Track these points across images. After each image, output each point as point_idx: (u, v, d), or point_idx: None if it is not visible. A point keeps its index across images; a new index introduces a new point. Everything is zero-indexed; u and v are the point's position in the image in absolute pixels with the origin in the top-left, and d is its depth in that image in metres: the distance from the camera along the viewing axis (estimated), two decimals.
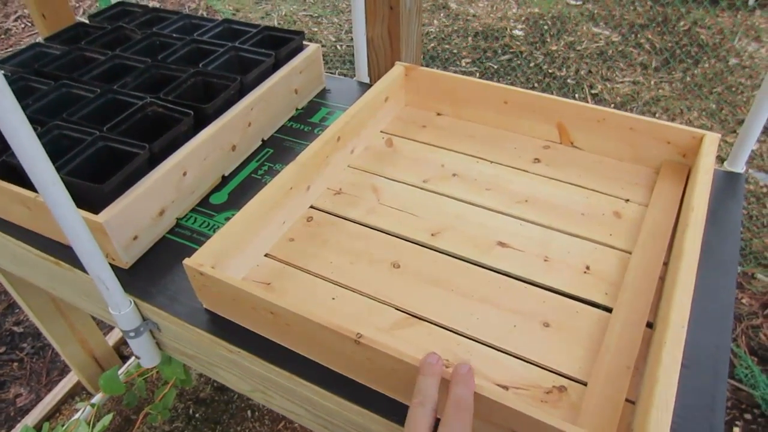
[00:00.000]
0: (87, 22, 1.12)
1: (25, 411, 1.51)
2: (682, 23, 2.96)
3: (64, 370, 1.61)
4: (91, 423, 1.17)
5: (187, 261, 0.62)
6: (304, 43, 1.01)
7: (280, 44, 0.97)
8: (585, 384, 0.57)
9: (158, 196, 0.75)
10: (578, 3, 3.28)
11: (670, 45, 2.81)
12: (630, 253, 0.70)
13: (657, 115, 2.40)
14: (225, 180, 0.86)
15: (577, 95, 2.56)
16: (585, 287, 0.66)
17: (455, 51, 2.91)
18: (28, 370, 1.63)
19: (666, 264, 0.67)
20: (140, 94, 0.85)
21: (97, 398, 1.48)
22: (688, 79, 2.57)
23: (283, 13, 3.31)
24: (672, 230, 0.72)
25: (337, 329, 0.54)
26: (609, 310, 0.64)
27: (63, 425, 1.21)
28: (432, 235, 0.74)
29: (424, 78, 0.92)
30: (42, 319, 1.24)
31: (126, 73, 0.93)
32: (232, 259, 0.68)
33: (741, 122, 2.20)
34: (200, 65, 0.91)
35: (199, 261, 0.62)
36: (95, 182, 0.69)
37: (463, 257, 0.70)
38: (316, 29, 3.15)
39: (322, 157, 0.79)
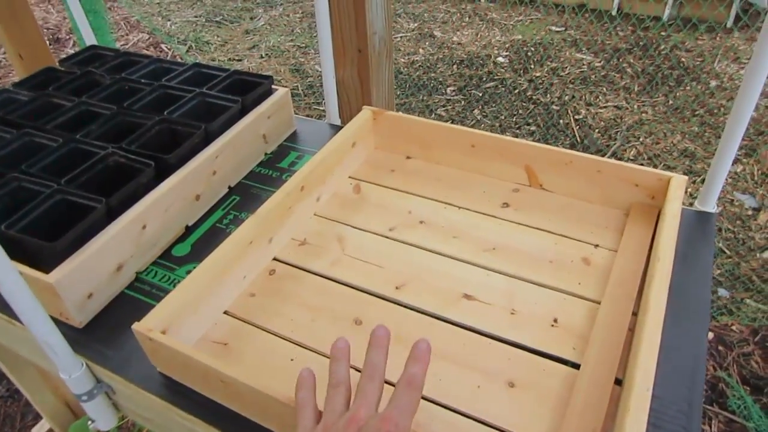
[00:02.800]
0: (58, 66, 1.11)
1: None
2: (663, 47, 2.99)
3: (39, 414, 1.57)
4: None
5: (136, 326, 0.60)
6: (273, 87, 1.00)
7: (249, 89, 0.96)
8: None
9: (116, 252, 0.73)
10: (560, 29, 3.31)
11: (652, 69, 2.83)
12: (599, 303, 0.68)
13: (641, 139, 2.40)
14: (189, 230, 0.85)
15: (561, 120, 2.56)
16: (552, 342, 0.64)
17: (441, 79, 2.92)
18: (2, 414, 1.59)
19: (635, 314, 0.66)
20: (103, 144, 0.84)
21: None
22: (671, 102, 2.58)
23: (271, 44, 3.33)
24: (642, 277, 0.70)
25: (289, 402, 0.52)
26: (577, 366, 0.62)
27: None
28: (396, 288, 0.72)
29: (391, 122, 0.91)
30: (11, 367, 1.21)
31: (92, 120, 0.91)
32: (188, 318, 0.66)
33: None
34: (165, 112, 0.90)
35: (149, 325, 0.60)
36: (52, 238, 0.67)
37: (427, 312, 0.68)
38: (303, 59, 3.17)
39: (284, 208, 0.77)
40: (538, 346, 0.64)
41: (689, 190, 2.03)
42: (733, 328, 1.65)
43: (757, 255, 1.80)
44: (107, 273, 0.73)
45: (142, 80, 0.99)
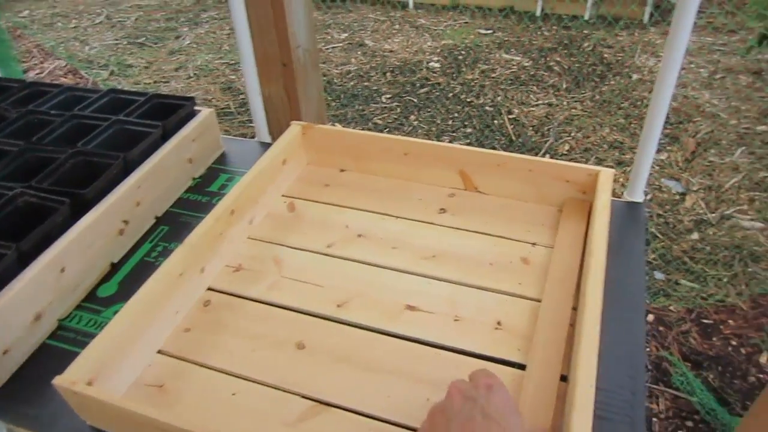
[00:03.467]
0: None
1: None
2: (586, 44, 3.10)
3: None
4: None
5: (57, 380, 0.56)
6: (197, 108, 0.96)
7: (170, 112, 0.92)
8: None
9: (32, 300, 0.68)
10: (488, 32, 3.38)
11: (577, 66, 2.92)
12: (539, 301, 0.68)
13: (573, 134, 2.47)
14: (114, 268, 0.80)
15: (496, 121, 2.61)
16: (497, 345, 0.64)
17: (375, 88, 2.93)
18: None
19: (575, 309, 0.66)
20: (10, 184, 0.78)
21: None
22: (597, 97, 2.68)
23: (199, 63, 3.25)
24: (579, 271, 0.70)
25: None
26: (523, 367, 0.61)
27: None
28: (338, 306, 0.70)
29: (322, 136, 0.90)
30: None
31: None
32: (117, 363, 0.62)
33: None
34: (79, 144, 0.85)
35: (72, 377, 0.56)
36: None
37: (371, 327, 0.67)
38: (233, 77, 3.10)
39: (215, 234, 0.74)
40: (483, 351, 0.63)
41: (621, 179, 2.10)
42: (671, 308, 1.71)
43: (687, 237, 1.88)
44: (24, 324, 0.67)
45: (52, 111, 0.94)
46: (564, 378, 0.59)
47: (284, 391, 0.61)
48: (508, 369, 0.61)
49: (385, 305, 0.69)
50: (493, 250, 0.76)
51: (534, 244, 0.76)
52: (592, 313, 0.56)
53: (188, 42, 3.46)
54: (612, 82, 2.77)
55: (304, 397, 0.60)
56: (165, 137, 0.90)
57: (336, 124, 2.66)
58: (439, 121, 2.64)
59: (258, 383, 0.62)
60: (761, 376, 1.46)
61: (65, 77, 3.06)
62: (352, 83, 2.96)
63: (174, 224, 0.87)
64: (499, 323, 0.66)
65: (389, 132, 2.59)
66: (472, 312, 0.67)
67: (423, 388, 0.60)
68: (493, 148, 2.43)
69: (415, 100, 2.81)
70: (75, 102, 0.99)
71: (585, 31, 3.25)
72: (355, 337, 0.66)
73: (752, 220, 1.91)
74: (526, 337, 0.64)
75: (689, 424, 1.40)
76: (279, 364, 0.64)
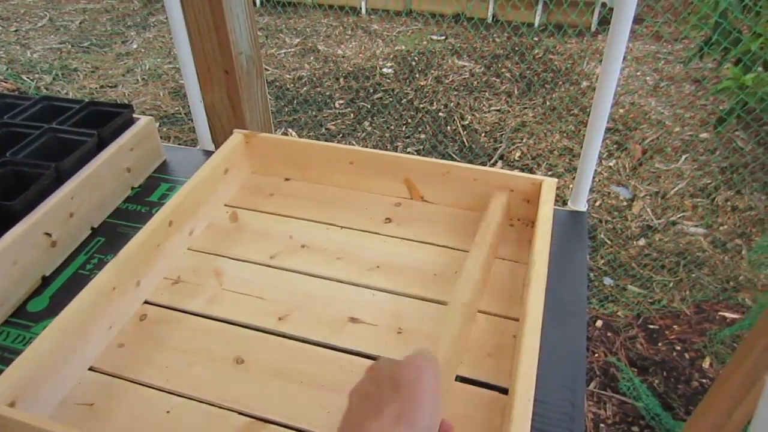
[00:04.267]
0: None
1: None
2: (536, 51, 3.16)
3: None
4: None
5: None
6: (135, 116, 0.93)
7: (107, 120, 0.88)
8: None
9: None
10: (441, 38, 3.41)
11: (529, 73, 2.98)
12: (482, 312, 0.68)
13: (524, 140, 2.52)
14: (46, 281, 0.76)
15: (449, 127, 2.63)
16: None
17: (328, 93, 2.91)
18: None
19: (518, 319, 0.66)
20: None
21: None
22: (548, 103, 2.73)
23: (147, 67, 3.17)
24: (523, 281, 0.71)
25: None
26: (464, 380, 0.61)
27: None
28: (279, 319, 0.68)
29: (265, 144, 0.88)
30: None
31: None
32: (45, 382, 0.59)
33: None
34: (8, 153, 0.81)
35: None
36: None
37: (312, 340, 0.65)
38: (183, 82, 3.04)
39: (151, 247, 0.71)
40: None
41: (571, 186, 2.15)
42: (619, 314, 1.75)
43: (634, 243, 1.93)
44: None
45: None
46: (503, 390, 0.59)
47: (221, 407, 0.59)
48: (454, 383, 0.61)
49: (328, 318, 0.68)
50: (437, 260, 0.75)
51: None
52: (533, 325, 0.56)
53: (136, 46, 3.37)
54: (562, 89, 2.84)
55: (241, 413, 0.59)
56: (101, 146, 0.86)
57: (288, 129, 2.64)
58: (392, 127, 2.64)
59: (194, 400, 0.60)
60: (704, 380, 1.51)
61: (5, 82, 2.93)
62: (305, 89, 2.94)
63: (111, 235, 0.83)
64: None
65: (342, 137, 2.58)
66: (416, 323, 0.67)
67: None
68: (447, 153, 2.45)
69: (369, 106, 2.80)
70: (5, 109, 0.95)
71: (536, 39, 3.32)
72: (296, 350, 0.65)
73: (696, 226, 1.97)
74: (469, 350, 0.64)
75: (635, 429, 1.43)
76: (216, 379, 0.62)
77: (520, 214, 0.80)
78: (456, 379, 0.61)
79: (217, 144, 1.02)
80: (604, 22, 3.26)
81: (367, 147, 2.66)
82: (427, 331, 0.66)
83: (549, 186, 0.76)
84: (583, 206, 0.84)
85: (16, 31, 3.53)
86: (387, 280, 0.73)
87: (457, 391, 0.60)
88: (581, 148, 0.77)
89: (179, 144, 2.46)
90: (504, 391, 0.59)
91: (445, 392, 0.56)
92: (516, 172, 0.79)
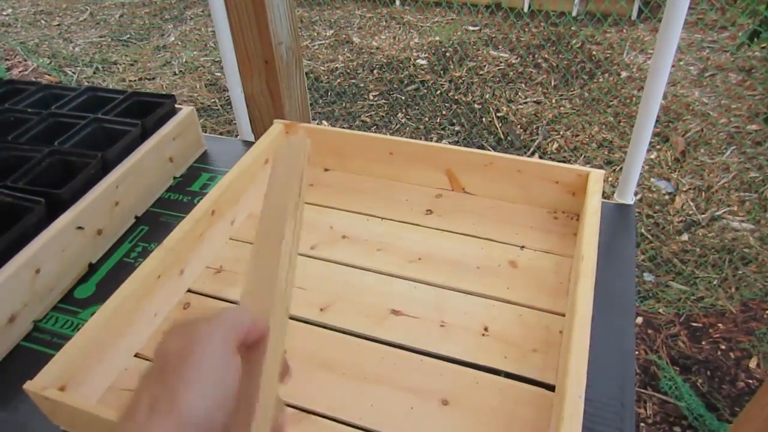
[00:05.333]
0: None
1: None
2: (574, 41, 3.09)
3: None
4: None
5: (28, 385, 0.54)
6: (177, 106, 0.94)
7: (150, 110, 0.89)
8: None
9: (6, 301, 0.66)
10: (476, 28, 3.37)
11: (566, 63, 2.92)
12: (528, 307, 0.67)
13: (562, 132, 2.47)
14: (92, 269, 0.78)
15: (484, 119, 2.60)
16: (484, 352, 0.62)
17: (362, 85, 2.90)
18: None
19: (564, 315, 0.65)
20: None
21: None
22: (586, 94, 2.67)
23: (184, 60, 3.21)
24: (568, 275, 0.69)
25: None
26: (510, 375, 0.60)
27: None
28: (321, 310, 0.68)
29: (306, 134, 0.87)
30: None
31: None
32: (92, 368, 0.59)
33: None
34: (56, 143, 0.82)
35: (43, 382, 0.54)
36: None
37: (354, 332, 0.65)
38: (219, 74, 3.07)
39: (194, 236, 0.72)
40: (469, 358, 0.61)
41: (610, 179, 2.10)
42: (660, 311, 1.71)
43: (677, 238, 1.88)
44: None
45: (29, 109, 0.91)
46: (552, 387, 0.58)
47: None
48: (495, 378, 0.60)
49: (369, 309, 0.67)
50: (480, 252, 0.74)
51: (522, 247, 0.74)
52: (582, 321, 0.54)
53: (173, 39, 3.41)
54: (600, 80, 2.77)
55: (285, 404, 0.59)
56: (144, 136, 0.87)
57: (323, 121, 2.64)
58: (427, 119, 2.62)
59: None
60: (750, 381, 1.46)
61: (49, 75, 3.01)
62: (338, 80, 2.93)
63: (154, 224, 0.84)
64: (486, 329, 0.64)
65: (377, 129, 2.57)
66: (459, 317, 0.66)
67: (407, 395, 0.58)
68: (482, 146, 2.42)
69: (403, 98, 2.79)
70: (52, 100, 0.97)
71: (573, 28, 3.24)
72: (338, 342, 0.64)
73: (742, 221, 1.91)
74: (513, 344, 0.62)
75: (677, 429, 1.39)
76: None
77: (565, 206, 0.78)
78: (501, 375, 0.60)
79: (257, 134, 1.02)
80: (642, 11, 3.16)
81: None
82: (471, 325, 0.65)
83: (596, 177, 0.74)
84: (630, 199, 0.81)
85: (58, 25, 3.62)
86: (428, 272, 0.72)
87: (502, 387, 0.58)
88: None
89: (216, 135, 2.50)
90: (551, 387, 0.58)
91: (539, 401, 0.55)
92: (562, 164, 0.77)
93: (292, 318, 0.67)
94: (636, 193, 2.06)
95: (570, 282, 0.68)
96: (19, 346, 0.68)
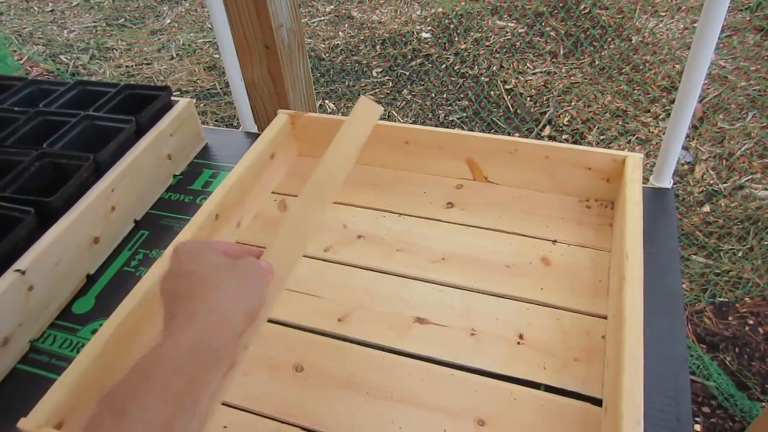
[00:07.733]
0: None
1: None
2: (582, 7, 2.98)
3: None
4: None
5: (22, 423, 0.49)
6: (174, 98, 0.87)
7: (144, 104, 0.83)
8: None
9: None
10: None
11: (574, 30, 2.81)
12: (565, 309, 0.61)
13: (573, 103, 2.38)
14: (90, 280, 0.72)
15: (492, 92, 2.51)
16: (520, 363, 0.57)
17: (365, 62, 2.81)
18: None
19: (606, 317, 0.59)
20: None
21: None
22: (597, 62, 2.57)
23: (181, 43, 3.12)
24: (607, 271, 0.63)
25: None
26: (550, 389, 0.54)
27: None
28: (339, 320, 0.62)
29: (312, 124, 0.81)
30: None
31: None
32: (93, 400, 0.54)
33: (654, 101, 2.21)
34: (45, 145, 0.76)
35: (38, 419, 0.49)
36: None
37: (377, 345, 0.60)
38: (218, 55, 2.98)
39: None
40: (504, 371, 0.56)
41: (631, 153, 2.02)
42: (684, 286, 1.65)
43: (698, 210, 1.81)
44: None
45: (15, 108, 0.85)
46: (600, 402, 0.52)
47: (281, 422, 0.54)
48: (534, 392, 0.54)
49: (392, 318, 0.62)
50: (509, 248, 0.68)
51: (554, 241, 0.68)
52: (634, 332, 0.48)
53: (169, 21, 3.32)
54: (612, 46, 2.67)
55: (303, 429, 0.54)
56: (139, 133, 0.81)
57: (326, 101, 2.57)
58: (433, 95, 2.54)
59: (252, 413, 0.55)
60: None
61: (45, 62, 2.94)
62: (340, 58, 2.85)
63: (155, 228, 0.79)
64: (521, 337, 0.59)
65: (382, 107, 2.49)
66: (490, 323, 0.60)
67: (438, 416, 0.53)
68: (491, 120, 2.34)
69: (407, 73, 2.70)
70: (40, 96, 0.90)
71: None
72: (359, 356, 0.59)
73: (767, 189, 1.83)
74: (551, 353, 0.57)
75: (706, 410, 1.35)
76: (276, 389, 0.57)
77: (598, 194, 0.72)
78: (540, 388, 0.54)
79: (260, 124, 0.96)
80: None
81: (407, 116, 2.56)
82: (504, 333, 0.59)
83: (634, 163, 0.67)
84: (668, 183, 0.75)
85: (51, 11, 3.52)
86: (454, 273, 0.66)
87: (543, 403, 0.53)
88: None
89: (217, 119, 2.43)
90: (597, 401, 0.52)
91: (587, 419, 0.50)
92: (594, 149, 0.70)
93: (308, 330, 0.62)
94: (653, 165, 1.99)
95: (610, 280, 0.62)
96: (15, 370, 0.63)
